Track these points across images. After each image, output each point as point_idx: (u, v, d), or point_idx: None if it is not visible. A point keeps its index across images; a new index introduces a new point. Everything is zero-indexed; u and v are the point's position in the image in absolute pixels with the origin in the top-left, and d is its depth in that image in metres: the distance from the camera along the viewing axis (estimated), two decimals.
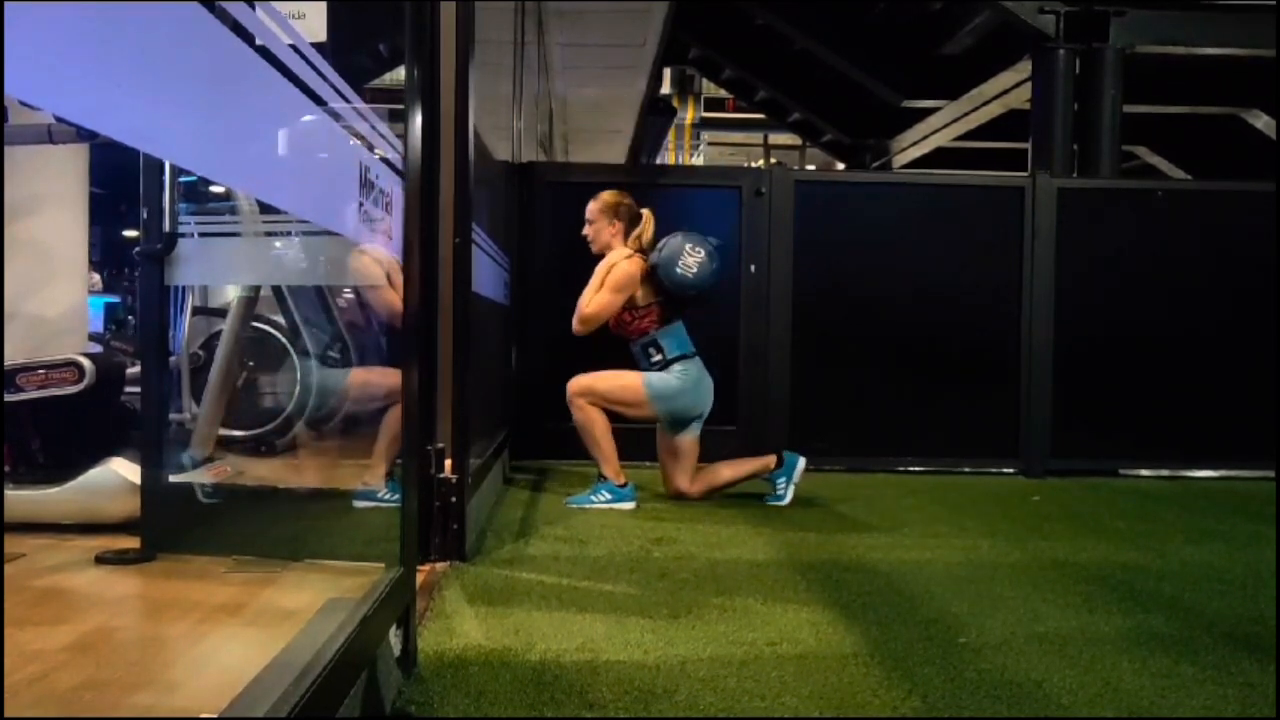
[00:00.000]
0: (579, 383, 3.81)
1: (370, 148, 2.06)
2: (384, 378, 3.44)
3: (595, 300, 3.80)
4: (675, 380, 3.81)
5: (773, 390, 4.99)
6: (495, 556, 2.85)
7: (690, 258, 3.75)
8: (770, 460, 3.94)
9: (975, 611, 2.37)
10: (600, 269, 3.86)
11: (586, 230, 3.95)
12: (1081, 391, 5.05)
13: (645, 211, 3.96)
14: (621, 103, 9.79)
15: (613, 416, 3.85)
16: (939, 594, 2.54)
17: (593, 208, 3.94)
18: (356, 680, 1.49)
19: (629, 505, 3.73)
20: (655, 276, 3.81)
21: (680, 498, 3.94)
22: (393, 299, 3.14)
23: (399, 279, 2.21)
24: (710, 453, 4.87)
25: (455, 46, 2.76)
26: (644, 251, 3.87)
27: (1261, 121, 9.38)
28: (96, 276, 9.05)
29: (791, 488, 3.89)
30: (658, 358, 3.83)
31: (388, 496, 3.08)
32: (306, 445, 3.95)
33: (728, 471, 3.96)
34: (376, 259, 2.99)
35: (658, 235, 3.89)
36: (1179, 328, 5.11)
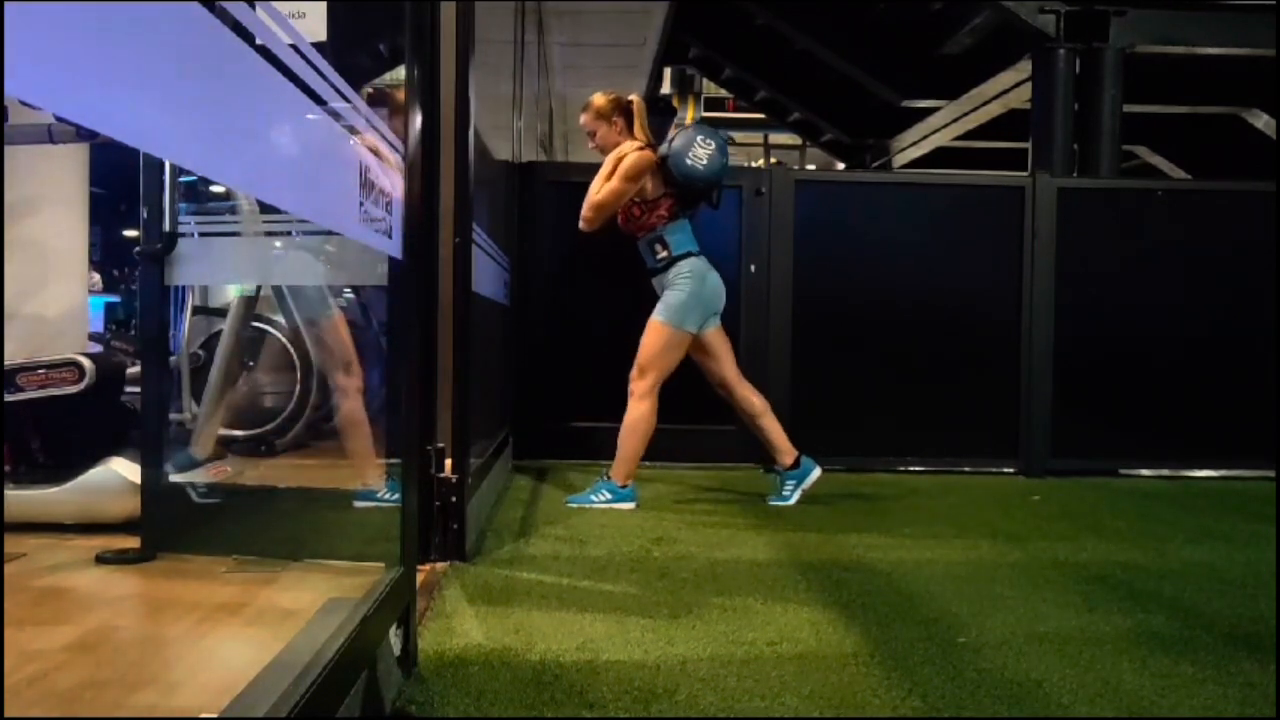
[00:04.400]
0: (634, 371, 3.80)
1: (371, 147, 2.06)
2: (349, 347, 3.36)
3: (606, 188, 3.77)
4: (682, 294, 3.78)
5: (773, 390, 4.96)
6: (495, 556, 2.85)
7: (701, 149, 3.74)
8: (790, 453, 3.91)
9: (975, 611, 2.37)
10: (610, 159, 3.82)
11: (591, 144, 3.92)
12: (1081, 391, 5.05)
13: (633, 97, 3.93)
14: None
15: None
16: (939, 594, 2.54)
17: (586, 119, 3.90)
18: (356, 680, 1.49)
19: (629, 506, 3.73)
20: (665, 168, 3.78)
21: (725, 389, 3.91)
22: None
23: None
24: (709, 453, 4.89)
25: (455, 46, 2.76)
26: (652, 145, 3.85)
27: (1261, 121, 9.37)
28: (96, 276, 9.05)
29: (798, 493, 3.88)
30: (663, 254, 3.80)
31: (388, 496, 3.07)
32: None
33: (766, 417, 3.92)
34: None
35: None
36: (1179, 327, 5.11)
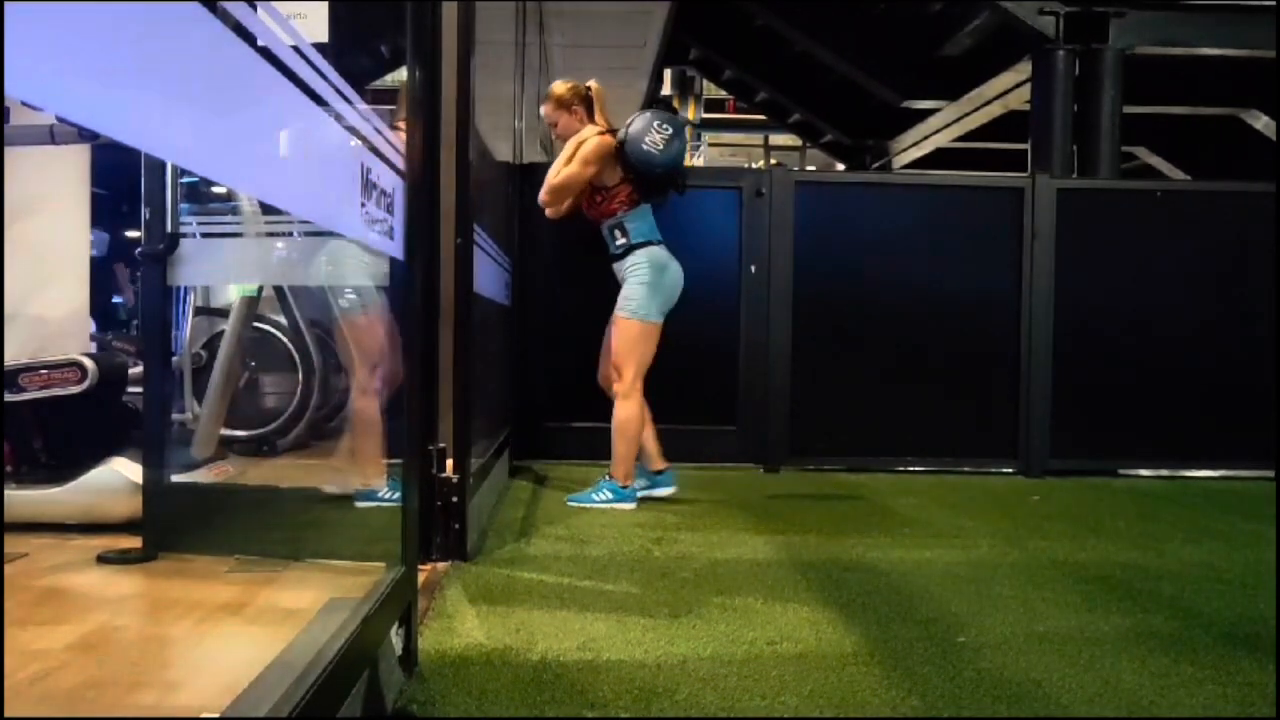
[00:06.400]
0: (611, 372, 3.80)
1: (372, 149, 2.06)
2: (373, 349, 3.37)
3: (564, 171, 3.78)
4: (640, 285, 3.76)
5: (773, 390, 4.98)
6: (496, 556, 2.85)
7: (657, 134, 3.73)
8: (661, 462, 3.91)
9: (975, 611, 2.38)
10: (570, 144, 3.84)
11: (554, 133, 3.94)
12: (1081, 391, 5.05)
13: (592, 84, 3.95)
14: (622, 104, 9.78)
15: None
16: (939, 594, 2.54)
17: (548, 109, 3.94)
18: (358, 680, 1.49)
19: (629, 506, 3.73)
20: (623, 155, 3.78)
21: (607, 384, 3.86)
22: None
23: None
24: (709, 453, 4.89)
25: (457, 47, 2.76)
26: (612, 130, 3.85)
27: (1261, 122, 9.36)
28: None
29: (635, 499, 3.77)
30: (621, 241, 3.80)
31: (389, 496, 3.08)
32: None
33: (645, 430, 3.85)
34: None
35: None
36: (1179, 328, 5.11)
